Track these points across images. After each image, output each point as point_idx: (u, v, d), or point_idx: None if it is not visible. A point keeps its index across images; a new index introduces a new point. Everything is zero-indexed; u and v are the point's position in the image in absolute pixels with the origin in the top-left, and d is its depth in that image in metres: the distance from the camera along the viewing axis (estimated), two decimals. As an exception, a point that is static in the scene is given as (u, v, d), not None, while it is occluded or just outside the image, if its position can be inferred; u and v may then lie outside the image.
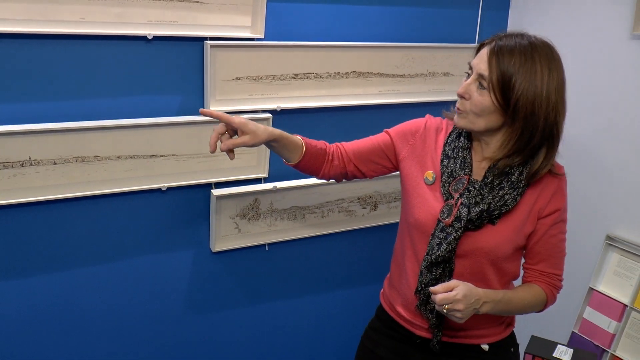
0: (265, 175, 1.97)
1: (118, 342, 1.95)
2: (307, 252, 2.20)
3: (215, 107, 1.80)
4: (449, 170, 1.43)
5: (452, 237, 1.39)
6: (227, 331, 2.14)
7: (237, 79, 1.82)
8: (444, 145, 1.47)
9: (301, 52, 1.89)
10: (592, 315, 2.08)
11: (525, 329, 1.96)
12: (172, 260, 1.95)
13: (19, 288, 1.74)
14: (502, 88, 1.30)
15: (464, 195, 1.40)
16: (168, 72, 1.75)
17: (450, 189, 1.42)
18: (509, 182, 1.39)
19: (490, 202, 1.38)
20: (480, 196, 1.39)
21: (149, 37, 1.67)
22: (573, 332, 2.13)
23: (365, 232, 2.26)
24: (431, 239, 1.42)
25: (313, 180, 2.05)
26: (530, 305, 1.46)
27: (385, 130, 1.59)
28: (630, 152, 1.99)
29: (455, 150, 1.44)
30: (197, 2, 1.70)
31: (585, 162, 2.11)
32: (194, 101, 1.81)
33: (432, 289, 1.31)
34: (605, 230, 2.08)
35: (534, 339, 1.77)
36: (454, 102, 2.21)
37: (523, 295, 1.45)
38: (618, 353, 2.00)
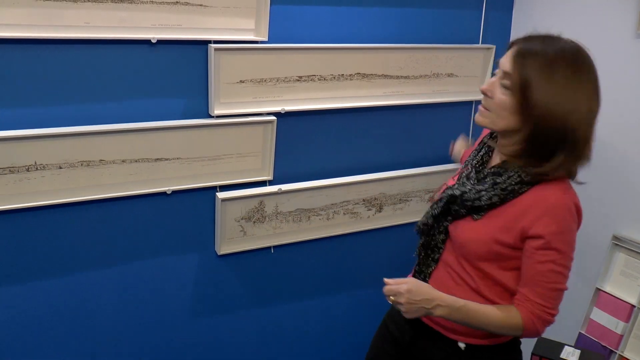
0: (270, 177, 1.97)
1: (124, 344, 1.95)
2: (313, 254, 2.20)
3: (220, 110, 1.80)
4: (466, 163, 1.52)
5: (434, 211, 1.48)
6: (232, 334, 2.14)
7: (241, 81, 1.82)
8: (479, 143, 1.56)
9: (305, 54, 1.89)
10: (600, 316, 2.07)
11: (532, 330, 1.95)
12: (178, 263, 1.95)
13: (25, 292, 1.75)
14: (522, 91, 1.29)
15: (457, 181, 1.49)
16: (172, 75, 1.76)
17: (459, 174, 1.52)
18: (493, 182, 1.38)
19: (465, 192, 1.41)
20: (463, 185, 1.44)
21: (153, 41, 1.67)
22: (580, 333, 2.11)
23: (370, 233, 2.26)
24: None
25: (318, 183, 2.06)
26: (498, 326, 1.39)
27: None
28: (637, 151, 1.98)
29: (480, 145, 1.52)
30: (201, 5, 1.70)
31: (592, 162, 2.09)
32: (198, 104, 1.81)
33: (385, 280, 1.39)
34: (611, 231, 2.07)
35: (540, 340, 1.77)
36: (457, 103, 2.23)
37: (490, 312, 1.38)
38: (626, 354, 1.99)
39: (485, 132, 1.61)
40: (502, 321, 1.38)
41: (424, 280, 1.52)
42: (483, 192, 1.39)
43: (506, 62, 1.33)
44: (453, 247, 1.48)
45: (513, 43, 1.37)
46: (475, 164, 1.48)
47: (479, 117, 1.41)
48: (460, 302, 1.38)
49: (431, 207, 1.52)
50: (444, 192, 1.48)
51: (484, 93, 1.37)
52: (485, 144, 1.50)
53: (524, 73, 1.29)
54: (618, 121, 2.02)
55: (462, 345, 1.49)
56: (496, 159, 1.46)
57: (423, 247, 1.55)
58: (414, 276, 1.56)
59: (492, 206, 1.39)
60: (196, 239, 1.96)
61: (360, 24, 2.00)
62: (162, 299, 1.96)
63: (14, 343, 1.77)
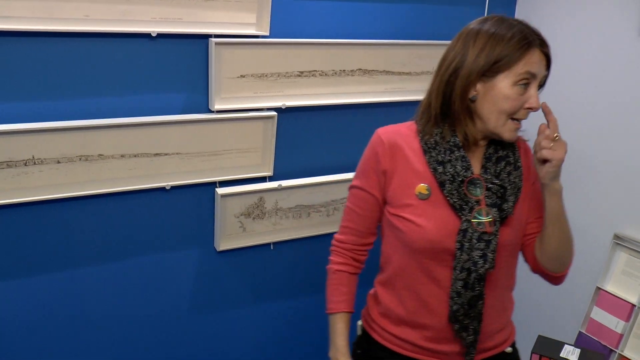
0: (270, 173, 1.96)
1: (123, 341, 1.94)
2: (313, 250, 2.19)
3: (220, 105, 1.79)
4: (450, 176, 1.29)
5: (494, 242, 1.27)
6: (232, 330, 2.13)
7: (242, 76, 1.81)
8: (426, 151, 1.33)
9: (306, 49, 1.87)
10: (600, 315, 2.07)
11: (532, 328, 1.95)
12: (177, 259, 1.94)
13: (23, 288, 1.74)
14: None
15: (486, 196, 1.29)
16: (172, 69, 1.74)
17: (467, 193, 1.29)
18: (510, 165, 1.33)
19: (512, 193, 1.31)
20: (502, 190, 1.30)
21: (153, 35, 1.66)
22: (580, 332, 2.11)
23: (370, 230, 2.25)
24: (462, 255, 1.28)
25: (318, 179, 2.04)
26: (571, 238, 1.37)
27: (351, 186, 1.45)
28: (638, 150, 1.97)
29: (448, 152, 1.31)
30: (202, -1, 1.69)
31: (593, 161, 2.09)
32: (199, 99, 1.80)
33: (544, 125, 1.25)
34: (613, 230, 2.06)
35: (540, 339, 1.76)
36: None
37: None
38: (626, 353, 1.99)
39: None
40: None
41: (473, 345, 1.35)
42: (516, 180, 1.32)
43: (541, 68, 1.28)
44: (499, 258, 1.31)
45: (530, 44, 1.28)
46: (472, 170, 1.31)
47: (515, 133, 1.29)
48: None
49: (481, 241, 1.27)
50: (490, 215, 1.28)
51: (534, 109, 1.27)
52: (449, 148, 1.31)
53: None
54: (619, 121, 2.01)
55: (509, 349, 1.46)
56: (473, 156, 1.34)
57: (462, 309, 1.30)
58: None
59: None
60: (195, 234, 1.94)
61: (362, 19, 1.99)
62: (161, 294, 1.96)
63: (12, 338, 1.76)
